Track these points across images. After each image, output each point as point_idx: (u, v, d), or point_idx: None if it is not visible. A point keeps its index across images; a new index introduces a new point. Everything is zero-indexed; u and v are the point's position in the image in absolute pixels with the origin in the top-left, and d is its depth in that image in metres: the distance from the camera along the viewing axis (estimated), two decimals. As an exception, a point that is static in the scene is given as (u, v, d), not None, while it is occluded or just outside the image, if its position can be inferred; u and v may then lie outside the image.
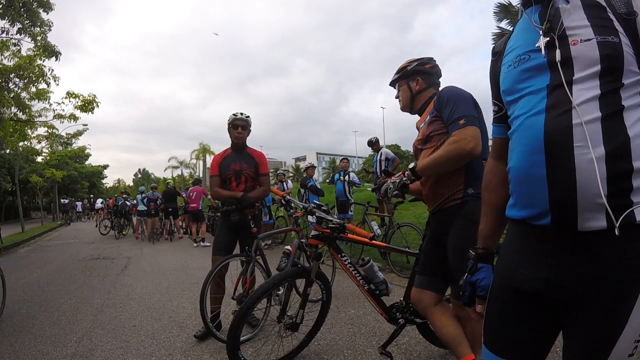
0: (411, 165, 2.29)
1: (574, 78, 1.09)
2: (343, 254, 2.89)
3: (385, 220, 7.35)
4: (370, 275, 2.83)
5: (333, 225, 2.81)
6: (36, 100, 14.38)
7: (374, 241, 2.91)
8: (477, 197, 2.17)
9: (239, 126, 3.98)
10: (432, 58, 2.63)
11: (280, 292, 3.51)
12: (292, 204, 4.02)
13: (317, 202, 3.15)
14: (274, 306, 3.70)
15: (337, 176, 9.18)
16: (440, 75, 2.63)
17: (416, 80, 2.56)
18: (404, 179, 2.31)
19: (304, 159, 75.98)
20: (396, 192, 2.36)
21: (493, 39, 18.32)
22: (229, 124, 4.02)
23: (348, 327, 3.81)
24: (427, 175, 2.29)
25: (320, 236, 2.86)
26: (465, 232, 2.20)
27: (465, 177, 2.27)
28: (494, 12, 18.07)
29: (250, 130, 4.10)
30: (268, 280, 2.89)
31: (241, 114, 4.02)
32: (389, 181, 2.40)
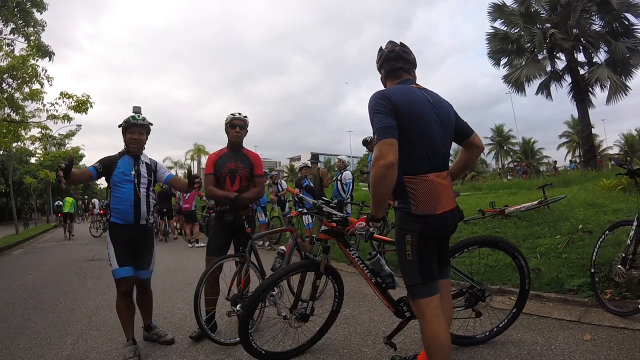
0: (369, 217, 2.34)
1: None
2: (351, 248, 3.04)
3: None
4: (377, 269, 2.92)
5: (337, 219, 3.01)
6: (29, 101, 14.31)
7: (376, 235, 3.02)
8: (400, 209, 2.31)
9: (236, 126, 3.99)
10: (387, 43, 2.55)
11: (274, 293, 3.51)
12: (304, 201, 4.24)
13: (325, 199, 3.32)
14: (268, 307, 3.71)
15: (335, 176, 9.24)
16: (391, 59, 2.47)
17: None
18: (371, 229, 2.37)
19: (298, 159, 75.61)
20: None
21: (487, 38, 18.40)
22: (226, 124, 4.03)
23: (343, 327, 3.81)
24: (381, 205, 2.29)
25: (330, 231, 3.01)
26: (396, 237, 2.36)
27: (394, 190, 2.29)
28: (488, 12, 18.16)
29: (247, 131, 4.12)
30: (279, 270, 3.11)
31: (239, 113, 4.03)
32: (356, 231, 2.43)
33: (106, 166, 3.57)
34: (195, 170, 50.10)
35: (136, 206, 3.50)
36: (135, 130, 3.60)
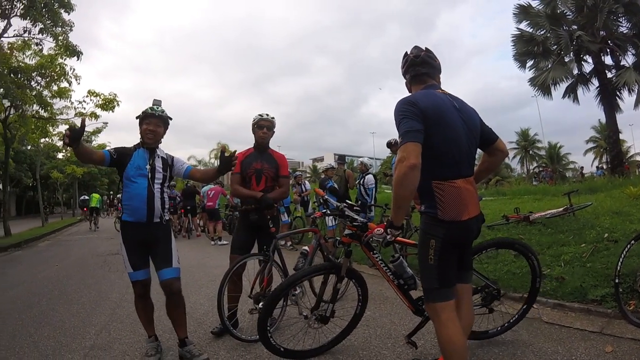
0: (388, 223, 2.33)
1: None
2: (374, 251, 3.07)
3: (403, 223, 7.38)
4: (400, 271, 2.98)
5: (357, 224, 3.04)
6: (58, 99, 14.67)
7: (399, 238, 3.03)
8: (426, 213, 2.34)
9: (264, 126, 4.02)
10: (413, 48, 2.56)
11: (297, 292, 3.54)
12: (329, 203, 4.16)
13: (349, 202, 3.35)
14: (290, 306, 3.74)
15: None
16: (416, 64, 2.49)
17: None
18: (388, 237, 2.33)
19: (321, 159, 75.59)
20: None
21: (512, 40, 18.14)
22: (253, 124, 4.06)
23: (363, 329, 3.81)
24: (401, 210, 2.27)
25: (353, 234, 3.05)
26: (420, 240, 2.39)
27: (420, 195, 2.37)
28: (514, 14, 17.88)
29: (274, 132, 4.13)
30: (301, 270, 3.13)
31: (267, 114, 4.06)
32: (373, 237, 2.46)
33: (120, 156, 3.35)
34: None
35: (149, 202, 3.27)
36: (152, 121, 3.40)
